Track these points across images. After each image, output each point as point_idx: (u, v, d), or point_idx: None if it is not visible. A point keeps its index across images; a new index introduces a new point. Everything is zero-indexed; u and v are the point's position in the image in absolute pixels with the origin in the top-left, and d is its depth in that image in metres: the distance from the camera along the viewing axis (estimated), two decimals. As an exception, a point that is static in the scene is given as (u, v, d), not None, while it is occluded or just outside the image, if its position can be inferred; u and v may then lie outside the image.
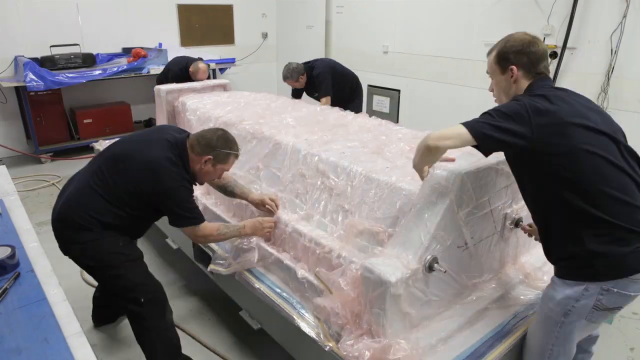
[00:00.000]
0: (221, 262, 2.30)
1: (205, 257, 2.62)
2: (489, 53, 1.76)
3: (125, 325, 2.68)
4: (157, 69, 5.59)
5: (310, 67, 4.16)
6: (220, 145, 2.13)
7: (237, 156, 2.23)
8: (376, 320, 1.65)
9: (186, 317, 2.75)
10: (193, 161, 2.12)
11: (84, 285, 3.04)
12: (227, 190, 2.46)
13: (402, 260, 1.66)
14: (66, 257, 2.09)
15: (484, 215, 1.92)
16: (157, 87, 3.89)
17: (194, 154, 2.11)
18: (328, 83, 4.09)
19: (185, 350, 2.47)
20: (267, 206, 2.34)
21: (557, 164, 1.49)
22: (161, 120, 3.97)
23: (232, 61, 6.49)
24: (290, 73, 4.08)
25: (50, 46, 5.34)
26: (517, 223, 2.10)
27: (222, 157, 2.14)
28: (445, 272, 1.72)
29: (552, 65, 4.30)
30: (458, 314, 1.88)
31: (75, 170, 2.23)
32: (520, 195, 2.08)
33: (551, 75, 4.36)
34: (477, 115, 1.60)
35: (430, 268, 1.69)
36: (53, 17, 5.47)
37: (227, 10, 6.90)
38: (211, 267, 2.31)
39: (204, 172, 2.16)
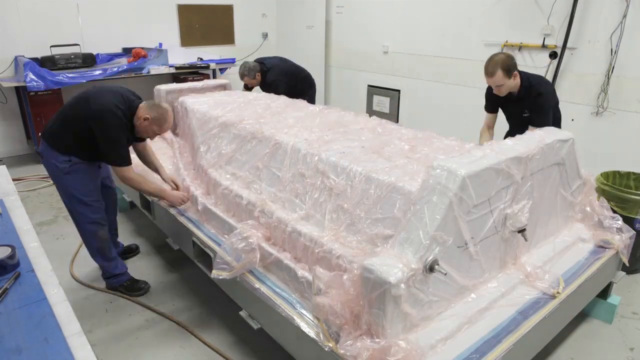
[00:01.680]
0: (224, 266, 2.30)
1: (205, 257, 2.62)
2: (492, 74, 2.88)
3: (125, 326, 2.68)
4: (157, 68, 5.59)
5: (264, 69, 4.53)
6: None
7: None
8: (376, 321, 1.64)
9: (186, 317, 2.75)
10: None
11: (84, 285, 3.04)
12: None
13: (402, 260, 1.66)
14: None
15: (484, 215, 1.92)
16: (157, 87, 3.89)
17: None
18: (283, 88, 4.38)
19: (185, 350, 2.47)
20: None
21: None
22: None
23: (232, 61, 6.49)
24: (247, 71, 4.48)
25: (51, 46, 5.34)
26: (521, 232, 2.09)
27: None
28: (446, 274, 1.72)
29: (552, 65, 4.30)
30: (458, 314, 1.88)
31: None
32: (520, 195, 2.10)
33: (551, 76, 4.38)
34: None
35: (431, 269, 1.69)
36: (53, 17, 5.47)
37: (227, 10, 6.90)
38: (214, 272, 2.31)
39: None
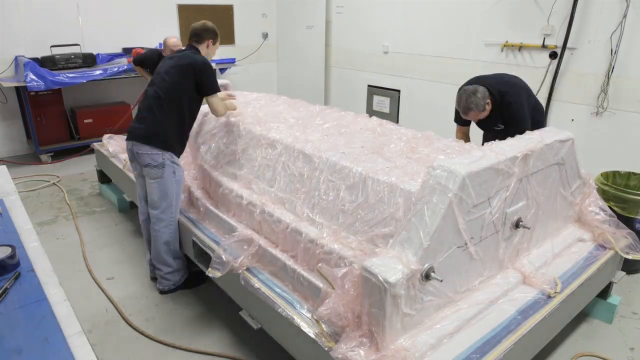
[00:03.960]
0: (217, 267, 2.31)
1: (205, 257, 2.62)
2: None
3: (124, 325, 2.68)
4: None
5: (499, 92, 2.97)
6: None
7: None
8: (376, 321, 1.65)
9: (186, 317, 2.75)
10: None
11: (84, 285, 3.04)
12: None
13: (402, 261, 1.66)
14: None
15: (484, 215, 1.92)
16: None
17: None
18: (526, 116, 3.00)
19: (184, 351, 2.48)
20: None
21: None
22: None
23: (232, 61, 6.49)
24: (476, 102, 2.88)
25: (51, 46, 5.34)
26: (517, 224, 2.11)
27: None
28: (442, 281, 1.72)
29: (552, 65, 4.30)
30: (458, 314, 1.88)
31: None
32: (520, 195, 2.10)
33: (551, 76, 4.38)
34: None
35: (427, 277, 1.70)
36: (53, 17, 5.47)
37: (227, 10, 6.90)
38: (210, 271, 2.31)
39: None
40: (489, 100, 2.90)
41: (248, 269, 2.28)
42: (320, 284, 1.94)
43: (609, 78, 3.95)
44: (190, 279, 3.00)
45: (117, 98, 6.13)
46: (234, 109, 3.05)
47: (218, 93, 2.80)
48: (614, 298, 2.68)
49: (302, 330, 1.89)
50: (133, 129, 2.74)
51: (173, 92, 2.69)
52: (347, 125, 2.89)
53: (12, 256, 1.57)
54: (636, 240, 2.49)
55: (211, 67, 2.77)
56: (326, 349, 1.75)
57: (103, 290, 2.99)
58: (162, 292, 2.94)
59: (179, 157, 2.80)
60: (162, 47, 4.50)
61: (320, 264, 1.88)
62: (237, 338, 2.57)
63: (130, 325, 2.67)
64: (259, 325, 2.25)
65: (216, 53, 3.05)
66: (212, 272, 2.30)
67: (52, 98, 5.31)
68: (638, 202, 2.95)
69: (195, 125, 3.35)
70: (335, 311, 1.73)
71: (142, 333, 2.60)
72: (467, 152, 2.03)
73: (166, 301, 2.89)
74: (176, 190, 2.77)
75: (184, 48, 3.00)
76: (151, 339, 2.56)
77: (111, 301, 2.88)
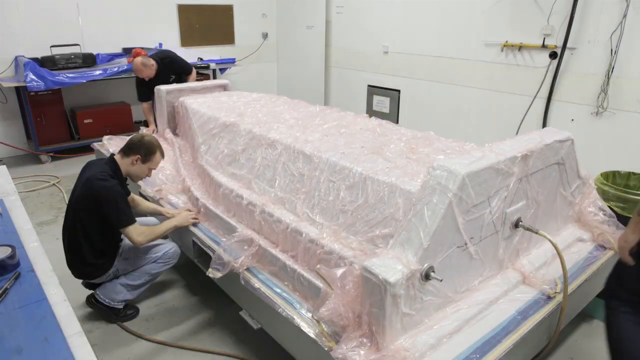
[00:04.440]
0: (218, 267, 2.31)
1: (205, 257, 2.62)
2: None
3: (124, 325, 2.68)
4: (157, 69, 5.58)
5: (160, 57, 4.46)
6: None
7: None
8: (376, 321, 1.65)
9: (187, 317, 2.75)
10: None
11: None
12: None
13: (402, 261, 1.66)
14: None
15: (484, 215, 1.92)
16: (157, 87, 3.89)
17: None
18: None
19: (184, 350, 2.48)
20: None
21: None
22: (161, 120, 3.98)
23: (232, 61, 6.49)
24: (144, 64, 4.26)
25: (51, 46, 5.34)
26: (516, 224, 2.10)
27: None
28: (441, 280, 1.72)
29: (552, 65, 4.31)
30: (458, 314, 1.88)
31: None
32: (519, 195, 2.09)
33: (551, 76, 4.39)
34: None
35: (427, 277, 1.70)
36: (53, 17, 5.47)
37: (227, 10, 6.90)
38: (210, 272, 2.31)
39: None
40: (153, 62, 4.25)
41: (248, 269, 2.28)
42: (320, 284, 1.94)
43: (609, 78, 3.95)
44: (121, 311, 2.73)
45: (117, 98, 6.12)
46: (162, 234, 2.60)
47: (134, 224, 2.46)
48: (614, 298, 2.68)
49: (302, 330, 1.89)
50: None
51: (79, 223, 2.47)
52: (347, 126, 2.89)
53: (12, 256, 1.57)
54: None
55: (115, 192, 2.41)
56: (326, 348, 1.75)
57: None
58: (90, 300, 2.75)
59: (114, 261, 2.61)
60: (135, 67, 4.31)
61: (319, 266, 1.88)
62: (237, 338, 2.57)
63: (130, 327, 2.67)
64: (259, 325, 2.25)
65: (150, 175, 2.72)
66: (212, 273, 2.31)
67: (52, 98, 5.31)
68: (638, 202, 2.95)
69: (195, 125, 3.35)
70: (337, 311, 1.74)
71: (141, 335, 2.60)
72: (466, 152, 2.03)
73: (166, 301, 2.89)
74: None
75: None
76: (151, 339, 2.56)
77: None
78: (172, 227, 2.64)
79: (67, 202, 4.21)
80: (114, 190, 2.41)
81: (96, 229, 2.48)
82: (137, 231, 2.46)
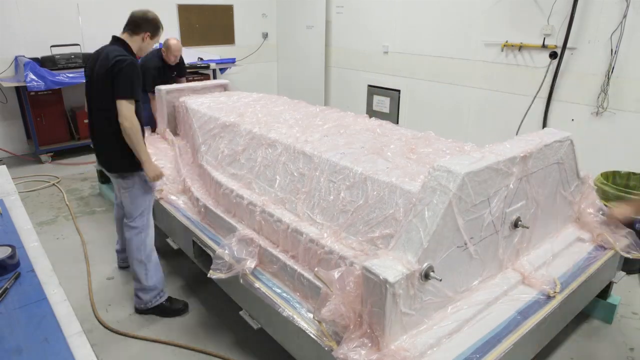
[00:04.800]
0: (220, 268, 2.31)
1: (205, 257, 2.62)
2: None
3: (124, 326, 2.68)
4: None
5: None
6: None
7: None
8: (376, 321, 1.65)
9: (186, 317, 2.75)
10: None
11: (84, 285, 3.04)
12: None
13: (402, 261, 1.66)
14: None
15: (483, 215, 1.92)
16: (158, 87, 3.89)
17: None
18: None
19: (184, 350, 2.48)
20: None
21: None
22: (161, 120, 3.97)
23: (232, 61, 6.49)
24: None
25: (51, 46, 5.34)
26: (516, 223, 2.11)
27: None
28: (441, 280, 1.72)
29: (552, 65, 4.30)
30: (458, 314, 1.88)
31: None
32: (519, 195, 2.09)
33: (551, 76, 4.38)
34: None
35: (426, 276, 1.70)
36: (53, 17, 5.47)
37: (227, 10, 6.90)
38: (211, 272, 2.31)
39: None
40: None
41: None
42: (320, 284, 1.94)
43: (609, 78, 3.95)
44: (169, 306, 2.77)
45: (117, 98, 6.12)
46: (142, 147, 2.47)
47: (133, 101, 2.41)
48: (614, 298, 2.68)
49: (302, 330, 1.89)
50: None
51: (102, 102, 2.43)
52: (347, 126, 2.89)
53: (12, 256, 1.57)
54: (636, 240, 2.49)
55: (138, 70, 2.43)
56: (327, 348, 1.75)
57: (103, 290, 2.99)
58: (136, 310, 2.78)
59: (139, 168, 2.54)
60: (163, 49, 4.28)
61: (317, 269, 1.88)
62: (237, 338, 2.57)
63: (129, 332, 2.67)
64: (259, 325, 2.25)
65: (149, 49, 2.70)
66: (214, 274, 2.30)
67: (52, 98, 5.31)
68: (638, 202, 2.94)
69: (195, 125, 3.35)
70: (338, 311, 1.74)
71: (135, 336, 2.60)
72: (466, 152, 2.03)
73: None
74: (148, 198, 2.67)
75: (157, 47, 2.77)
76: (151, 339, 2.56)
77: (110, 304, 2.88)
78: (144, 156, 2.47)
79: (67, 202, 4.23)
80: (134, 65, 2.40)
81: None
82: (130, 110, 2.38)
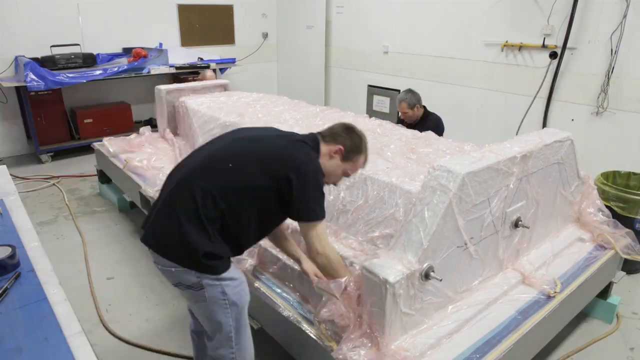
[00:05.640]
0: None
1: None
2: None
3: (124, 326, 2.68)
4: (157, 68, 5.59)
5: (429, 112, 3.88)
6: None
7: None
8: (376, 321, 1.65)
9: (186, 317, 2.75)
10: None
11: (84, 285, 3.04)
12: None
13: (402, 261, 1.66)
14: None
15: (483, 215, 1.92)
16: (158, 87, 3.89)
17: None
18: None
19: (184, 350, 2.47)
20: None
21: None
22: (161, 120, 3.98)
23: (232, 61, 6.49)
24: (408, 96, 3.66)
25: (51, 46, 5.34)
26: (516, 223, 2.11)
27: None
28: (441, 280, 1.72)
29: (552, 65, 4.31)
30: (458, 314, 1.88)
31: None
32: (519, 195, 2.09)
33: (551, 76, 4.38)
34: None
35: (426, 276, 1.70)
36: (53, 17, 5.47)
37: (227, 10, 6.90)
38: None
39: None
40: (419, 105, 3.69)
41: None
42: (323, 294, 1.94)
43: (609, 78, 3.95)
44: None
45: (117, 98, 6.13)
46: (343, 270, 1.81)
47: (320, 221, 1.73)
48: (614, 298, 2.68)
49: (302, 331, 1.89)
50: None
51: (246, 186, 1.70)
52: (347, 125, 2.89)
53: (12, 256, 1.57)
54: (636, 240, 2.49)
55: (320, 182, 1.75)
56: (327, 349, 1.75)
57: (103, 290, 2.99)
58: None
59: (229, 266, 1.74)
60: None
61: (317, 281, 1.85)
62: (237, 338, 2.57)
63: (125, 338, 2.67)
64: (259, 325, 2.25)
65: (337, 183, 1.95)
66: None
67: (52, 98, 5.31)
68: (638, 202, 2.95)
69: (195, 125, 3.35)
70: (338, 311, 1.74)
71: (128, 340, 2.60)
72: (466, 153, 2.03)
73: (166, 301, 2.89)
74: (234, 316, 1.78)
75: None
76: (150, 339, 2.56)
77: (110, 304, 2.88)
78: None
79: (66, 202, 4.23)
80: (320, 171, 1.76)
81: (250, 212, 1.71)
82: (324, 233, 1.75)
